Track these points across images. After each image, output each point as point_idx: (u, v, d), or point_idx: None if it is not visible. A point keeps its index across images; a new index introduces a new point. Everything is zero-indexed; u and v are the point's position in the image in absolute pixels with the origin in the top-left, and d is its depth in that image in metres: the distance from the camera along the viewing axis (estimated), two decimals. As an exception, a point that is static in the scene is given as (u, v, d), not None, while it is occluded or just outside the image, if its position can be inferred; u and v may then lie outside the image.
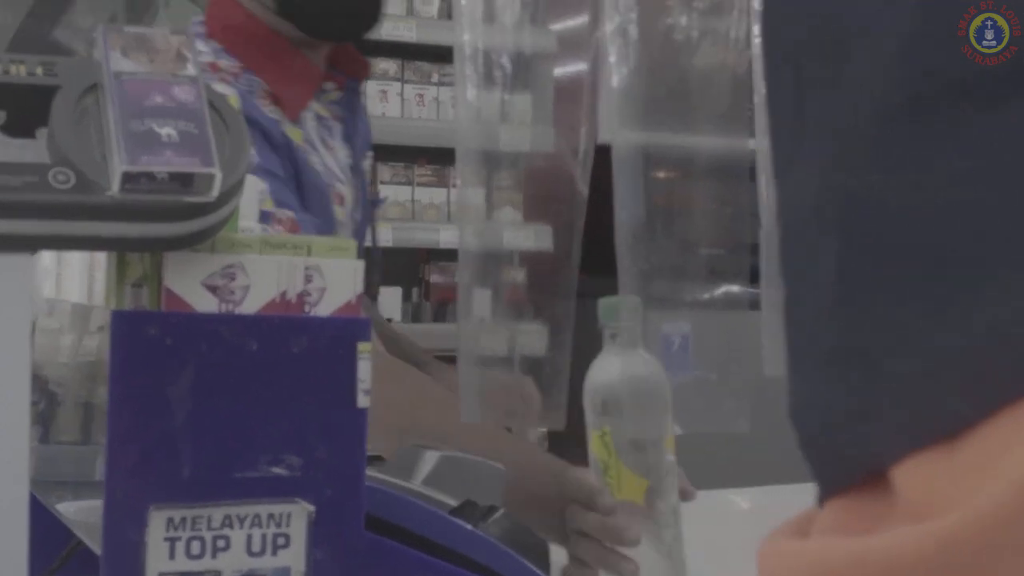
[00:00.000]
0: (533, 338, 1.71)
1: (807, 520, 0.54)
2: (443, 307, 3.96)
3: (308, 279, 0.95)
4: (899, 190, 0.49)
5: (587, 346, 1.86)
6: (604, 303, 1.21)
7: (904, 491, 0.48)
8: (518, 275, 1.80)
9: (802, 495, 0.57)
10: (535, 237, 2.01)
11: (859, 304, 0.50)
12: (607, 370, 1.20)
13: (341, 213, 1.79)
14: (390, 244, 3.59)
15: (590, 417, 1.18)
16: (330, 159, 1.82)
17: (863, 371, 0.49)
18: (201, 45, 1.78)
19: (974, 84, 0.48)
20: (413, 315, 3.90)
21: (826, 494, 0.52)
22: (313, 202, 1.75)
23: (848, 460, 0.50)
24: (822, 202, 0.52)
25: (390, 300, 3.74)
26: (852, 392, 0.50)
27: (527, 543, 1.10)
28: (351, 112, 1.90)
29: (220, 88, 1.72)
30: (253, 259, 0.94)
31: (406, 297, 3.90)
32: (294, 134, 1.79)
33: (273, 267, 0.94)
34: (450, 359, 4.03)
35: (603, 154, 1.34)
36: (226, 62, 1.78)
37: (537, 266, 1.68)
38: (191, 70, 0.88)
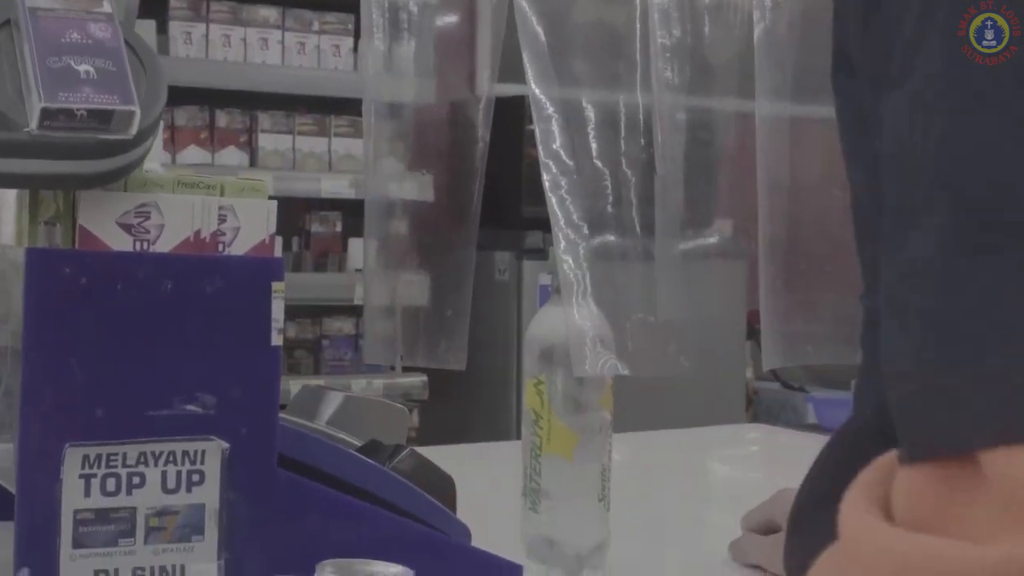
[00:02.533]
0: (415, 289, 1.72)
1: (887, 475, 0.55)
2: (324, 257, 3.95)
3: (222, 219, 0.96)
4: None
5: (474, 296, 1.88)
6: (551, 255, 1.22)
7: (998, 478, 0.49)
8: (401, 225, 1.80)
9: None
10: (420, 187, 2.02)
11: (969, 276, 0.51)
12: (549, 320, 1.20)
13: None
14: (270, 194, 3.56)
15: (527, 365, 1.19)
16: None
17: (967, 349, 0.51)
18: None
19: None
20: (294, 265, 3.88)
21: (912, 457, 0.53)
22: None
23: (939, 433, 0.52)
24: (942, 153, 0.52)
25: (271, 250, 3.71)
26: (951, 367, 0.51)
27: (433, 481, 1.12)
28: None
29: None
30: (167, 198, 0.94)
31: (286, 247, 3.88)
32: None
33: (187, 206, 0.95)
34: (331, 309, 4.01)
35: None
36: None
37: (431, 216, 1.70)
38: (107, 7, 0.88)
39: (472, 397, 3.97)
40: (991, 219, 0.51)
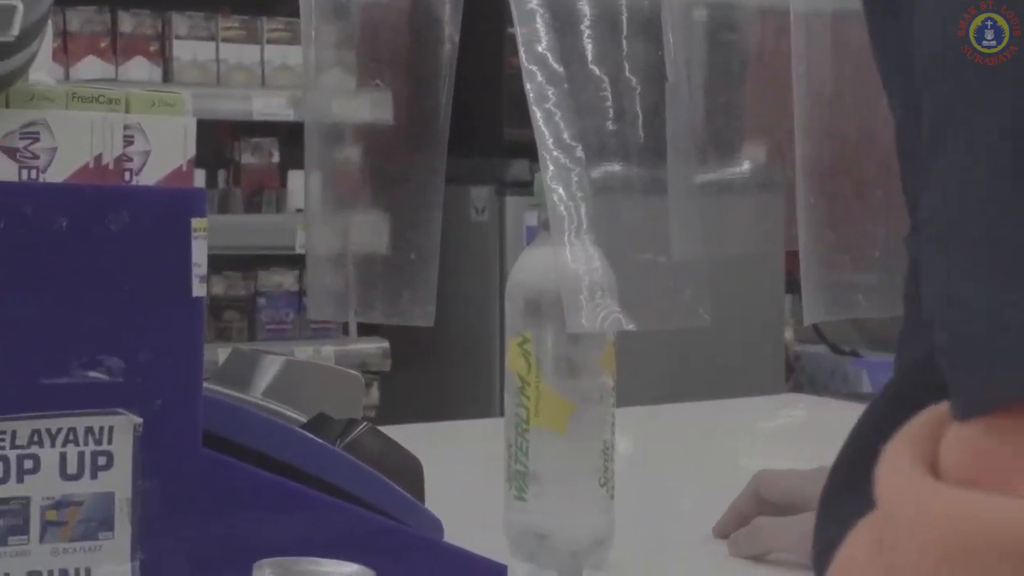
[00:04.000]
0: (370, 231, 1.73)
1: (935, 430, 0.57)
2: (258, 195, 3.96)
3: (128, 140, 0.97)
4: None
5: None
6: (537, 183, 1.22)
7: None
8: (353, 153, 1.81)
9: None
10: (375, 105, 2.02)
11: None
12: (536, 263, 1.21)
13: None
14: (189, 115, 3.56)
15: (510, 320, 1.20)
16: None
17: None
18: None
19: None
20: (220, 205, 3.88)
21: (966, 410, 0.56)
22: None
23: (998, 381, 0.54)
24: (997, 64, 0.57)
25: (191, 186, 3.72)
26: (1011, 303, 0.54)
27: (397, 463, 1.13)
28: None
29: None
30: (59, 115, 0.95)
31: (211, 182, 3.89)
32: None
33: (85, 125, 0.96)
34: (267, 259, 4.02)
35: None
36: None
37: (389, 141, 1.70)
38: None
39: (444, 367, 4.00)
40: None
